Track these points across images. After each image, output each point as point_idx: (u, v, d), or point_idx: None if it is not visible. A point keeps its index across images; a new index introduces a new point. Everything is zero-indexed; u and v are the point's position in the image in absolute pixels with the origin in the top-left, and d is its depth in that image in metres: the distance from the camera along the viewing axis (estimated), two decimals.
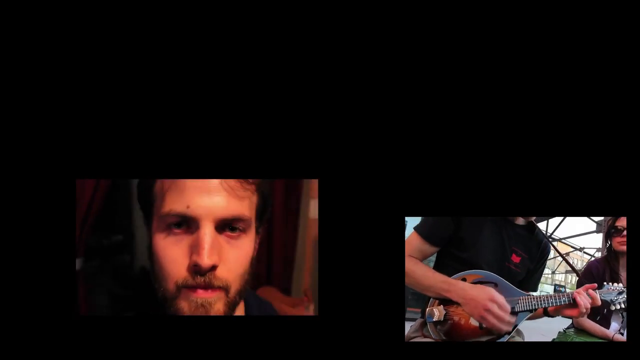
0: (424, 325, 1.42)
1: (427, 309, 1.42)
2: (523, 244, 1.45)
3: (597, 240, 1.92)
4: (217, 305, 0.98)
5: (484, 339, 1.37)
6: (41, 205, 1.39)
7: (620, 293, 1.37)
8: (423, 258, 1.44)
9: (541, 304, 1.36)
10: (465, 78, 1.42)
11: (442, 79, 1.42)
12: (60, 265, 1.39)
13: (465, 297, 1.36)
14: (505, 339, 1.38)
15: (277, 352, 1.38)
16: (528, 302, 1.36)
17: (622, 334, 1.44)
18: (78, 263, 1.51)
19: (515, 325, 1.38)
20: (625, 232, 1.46)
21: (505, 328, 1.35)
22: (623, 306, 1.36)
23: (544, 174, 1.43)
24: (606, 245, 1.57)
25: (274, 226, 1.75)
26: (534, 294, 1.40)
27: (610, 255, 1.53)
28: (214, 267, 0.97)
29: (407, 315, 1.45)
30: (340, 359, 1.40)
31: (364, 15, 1.41)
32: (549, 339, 1.49)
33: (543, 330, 1.50)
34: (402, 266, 1.42)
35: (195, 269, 0.96)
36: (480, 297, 1.36)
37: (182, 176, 1.04)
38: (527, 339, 1.45)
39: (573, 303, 1.33)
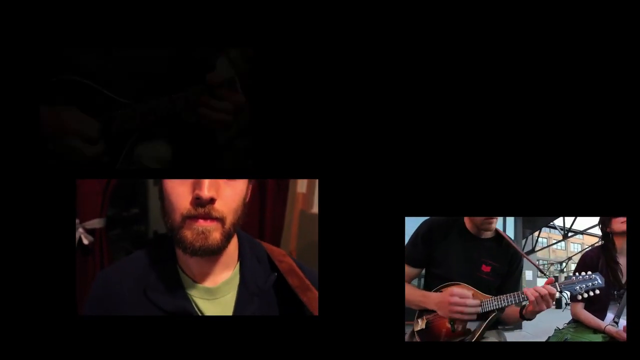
0: (412, 334, 1.55)
1: (414, 320, 1.56)
2: (491, 254, 1.57)
3: None
4: (214, 233, 1.12)
5: (458, 339, 1.50)
6: (41, 205, 1.39)
7: (584, 282, 1.39)
8: (409, 279, 1.56)
9: (503, 304, 1.46)
10: (465, 78, 1.43)
11: (442, 80, 1.43)
12: (60, 265, 1.40)
13: (436, 303, 1.53)
14: (476, 330, 1.48)
15: (277, 352, 1.40)
16: (491, 303, 1.48)
17: (617, 323, 1.45)
18: (100, 222, 1.67)
19: (487, 324, 1.49)
20: None
21: (474, 310, 1.49)
22: (590, 295, 1.38)
23: (544, 174, 1.44)
24: (605, 230, 1.53)
25: (267, 199, 1.85)
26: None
27: (607, 241, 1.52)
28: (212, 200, 1.11)
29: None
30: (340, 359, 1.42)
31: (364, 16, 1.41)
32: (545, 337, 1.52)
33: (540, 328, 1.53)
34: (402, 266, 1.46)
35: (197, 202, 1.10)
36: (444, 297, 1.52)
37: (183, 175, 1.12)
38: (525, 338, 1.53)
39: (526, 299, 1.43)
